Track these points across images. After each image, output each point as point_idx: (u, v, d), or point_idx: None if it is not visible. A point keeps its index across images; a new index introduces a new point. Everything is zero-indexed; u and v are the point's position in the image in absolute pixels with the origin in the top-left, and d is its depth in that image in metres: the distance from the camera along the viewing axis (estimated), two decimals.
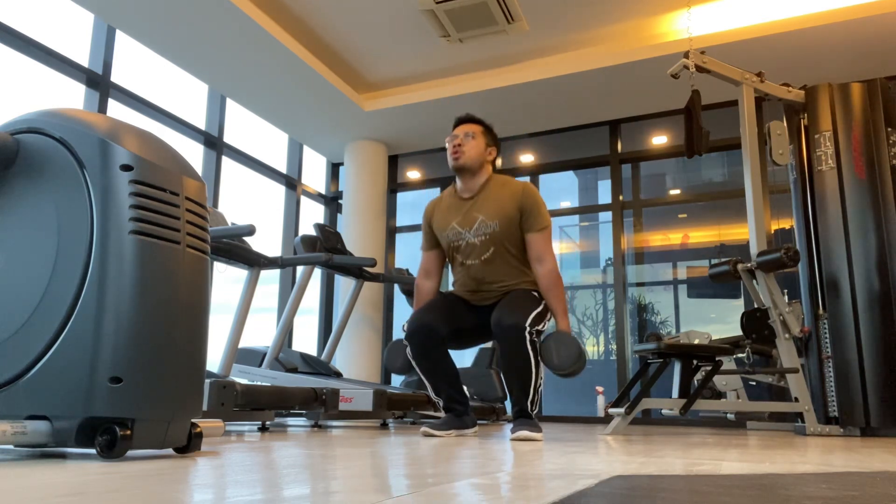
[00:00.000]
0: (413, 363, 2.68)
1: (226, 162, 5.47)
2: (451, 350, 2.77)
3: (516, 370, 2.51)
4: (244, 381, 3.47)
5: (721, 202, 5.61)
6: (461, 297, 2.82)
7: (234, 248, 3.45)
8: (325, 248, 4.46)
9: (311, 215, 6.68)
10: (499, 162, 2.62)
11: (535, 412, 2.56)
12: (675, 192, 6.35)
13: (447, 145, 2.80)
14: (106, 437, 1.29)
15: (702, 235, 6.17)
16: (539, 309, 2.58)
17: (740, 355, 4.17)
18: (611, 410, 3.36)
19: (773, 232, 5.18)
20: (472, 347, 3.52)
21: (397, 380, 6.26)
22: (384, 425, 3.59)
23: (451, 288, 2.93)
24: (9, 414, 1.33)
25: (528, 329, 2.47)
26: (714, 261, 4.12)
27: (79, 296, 1.33)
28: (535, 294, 2.68)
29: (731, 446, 2.29)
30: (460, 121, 2.86)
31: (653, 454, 1.81)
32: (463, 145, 2.75)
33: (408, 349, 2.67)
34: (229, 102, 5.54)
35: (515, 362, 2.49)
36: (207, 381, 2.43)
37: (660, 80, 5.02)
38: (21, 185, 1.44)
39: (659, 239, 6.13)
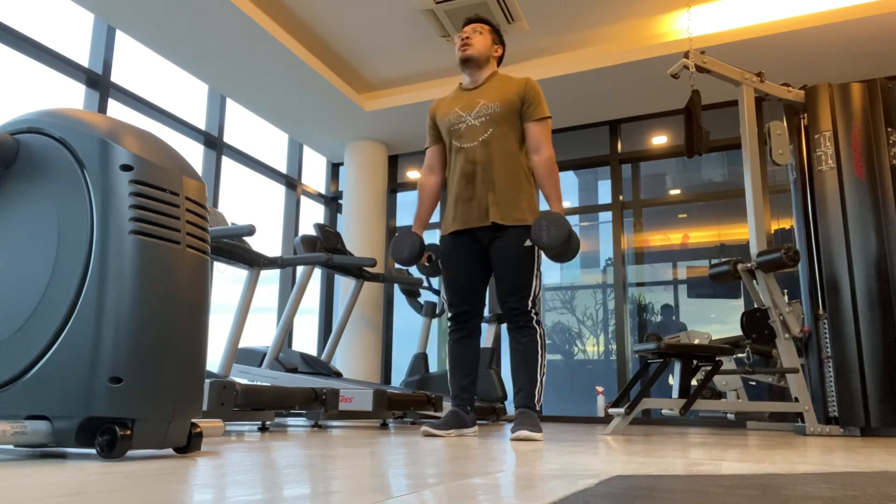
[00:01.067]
0: (450, 340, 2.82)
1: (226, 162, 5.47)
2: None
3: (523, 351, 2.65)
4: (244, 381, 3.47)
5: (721, 202, 5.61)
6: (460, 250, 2.79)
7: (234, 248, 3.45)
8: (325, 248, 4.46)
9: (311, 215, 6.69)
10: (502, 52, 2.67)
11: (539, 402, 2.62)
12: (675, 192, 6.35)
13: (455, 40, 2.88)
14: (106, 437, 1.29)
15: (702, 235, 6.17)
16: (535, 275, 2.69)
17: (740, 355, 4.17)
18: (611, 410, 3.36)
19: (773, 232, 5.18)
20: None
21: (397, 380, 6.26)
22: (384, 425, 3.59)
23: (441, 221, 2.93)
24: (9, 414, 1.33)
25: (532, 311, 2.67)
26: (714, 261, 4.12)
27: (79, 296, 1.33)
28: (529, 247, 2.68)
29: (731, 446, 2.28)
30: (469, 20, 2.93)
31: (653, 454, 1.81)
32: (471, 38, 2.84)
33: (450, 329, 2.83)
34: (229, 102, 5.54)
35: (522, 343, 2.66)
36: (207, 381, 2.43)
37: (660, 80, 5.02)
38: (21, 185, 1.44)
39: (659, 239, 6.12)
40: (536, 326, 2.69)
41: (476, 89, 2.85)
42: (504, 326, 5.15)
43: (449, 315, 2.85)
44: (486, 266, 2.80)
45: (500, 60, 2.95)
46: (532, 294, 2.69)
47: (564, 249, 2.58)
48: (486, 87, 2.83)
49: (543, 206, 2.79)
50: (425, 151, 3.02)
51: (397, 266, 6.13)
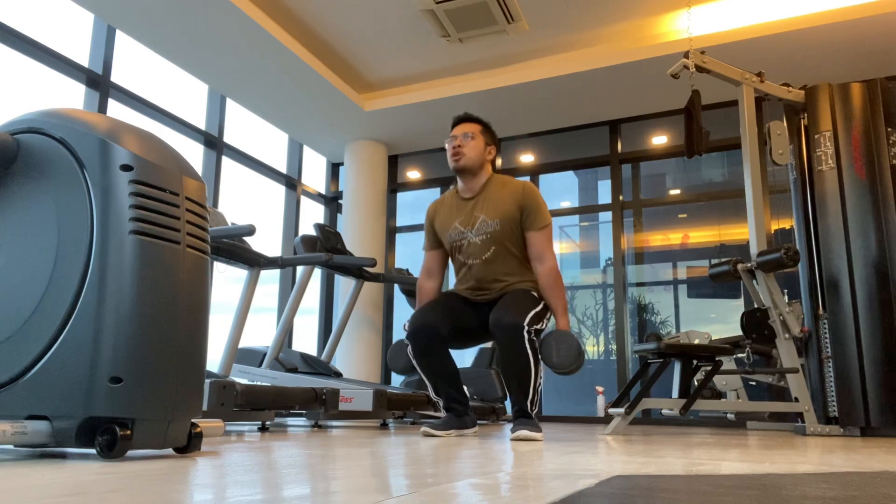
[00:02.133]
0: (414, 362, 2.69)
1: (226, 162, 5.47)
2: (451, 349, 2.77)
3: (516, 369, 2.51)
4: (244, 381, 3.47)
5: (721, 202, 5.61)
6: (462, 296, 2.83)
7: (234, 248, 3.45)
8: (325, 248, 4.46)
9: (311, 215, 6.69)
10: (499, 161, 2.63)
11: (534, 412, 2.56)
12: (675, 192, 6.35)
13: (446, 146, 2.81)
14: (106, 437, 1.29)
15: (702, 235, 6.17)
16: (538, 308, 2.59)
17: (740, 355, 4.17)
18: (611, 410, 3.36)
19: (773, 232, 5.18)
20: (473, 347, 3.53)
21: (397, 380, 6.26)
22: (384, 425, 3.59)
23: (451, 287, 2.94)
24: (9, 414, 1.33)
25: (526, 328, 2.48)
26: (714, 261, 4.12)
27: (79, 296, 1.33)
28: (535, 294, 2.68)
29: (731, 446, 2.29)
30: (458, 120, 2.87)
31: (653, 454, 1.81)
32: (462, 146, 2.76)
33: (409, 348, 2.68)
34: (229, 102, 5.54)
35: (514, 361, 2.50)
36: (207, 381, 2.43)
37: (660, 80, 5.02)
38: (21, 185, 1.44)
39: (659, 239, 6.12)
40: (528, 347, 2.47)
41: (474, 199, 2.79)
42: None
43: (409, 330, 2.66)
44: (481, 324, 2.73)
45: (494, 163, 2.88)
46: (529, 316, 2.51)
47: (576, 367, 2.53)
48: (484, 197, 2.77)
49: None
50: (424, 253, 2.98)
51: (398, 265, 6.14)
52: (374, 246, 6.07)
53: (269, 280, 6.05)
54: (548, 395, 5.89)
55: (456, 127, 2.85)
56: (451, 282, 2.99)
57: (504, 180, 2.81)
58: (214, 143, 5.38)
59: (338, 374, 4.16)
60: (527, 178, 6.14)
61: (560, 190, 6.52)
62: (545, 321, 2.63)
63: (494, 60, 5.18)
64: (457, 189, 2.87)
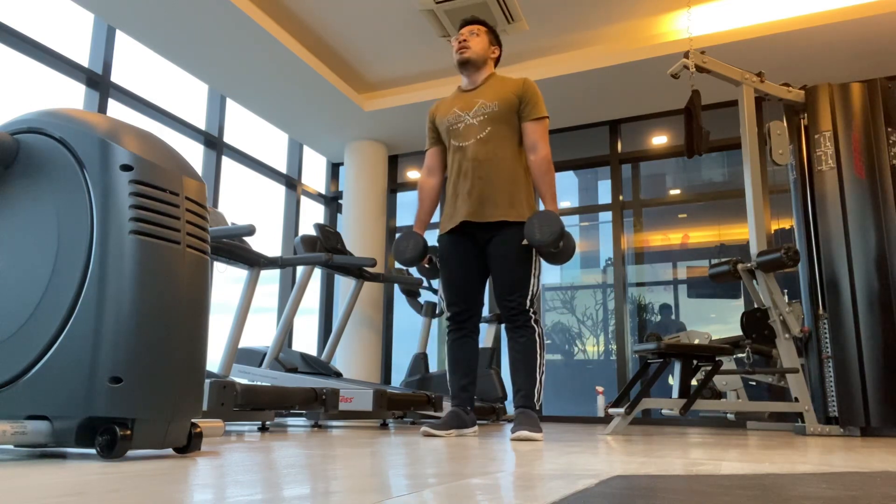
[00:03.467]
0: (448, 338, 2.83)
1: (226, 162, 5.47)
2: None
3: (522, 351, 2.65)
4: (244, 381, 3.47)
5: (721, 202, 5.60)
6: (457, 247, 2.79)
7: (234, 248, 3.45)
8: (325, 248, 4.46)
9: (311, 215, 6.69)
10: (500, 54, 2.69)
11: (538, 402, 2.62)
12: (675, 192, 6.35)
13: (453, 42, 2.90)
14: (106, 437, 1.29)
15: (702, 235, 6.17)
16: (534, 274, 2.70)
17: (740, 355, 4.17)
18: (611, 410, 3.36)
19: (773, 232, 5.18)
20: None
21: (397, 380, 6.26)
22: (384, 425, 3.59)
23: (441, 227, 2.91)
24: (9, 414, 1.33)
25: (530, 311, 2.67)
26: (714, 261, 4.12)
27: (79, 296, 1.33)
28: (527, 246, 2.67)
29: (731, 446, 2.28)
30: (466, 22, 2.94)
31: (653, 454, 1.81)
32: (469, 40, 2.86)
33: (448, 328, 2.84)
34: (229, 102, 5.54)
35: (520, 342, 2.66)
36: (207, 381, 2.43)
37: (660, 80, 5.02)
38: (21, 185, 1.44)
39: (659, 239, 6.12)
40: (535, 326, 2.68)
41: (475, 90, 2.86)
42: (503, 326, 5.16)
43: (447, 315, 2.85)
44: (484, 266, 2.81)
45: (497, 61, 2.96)
46: (530, 293, 2.68)
47: (558, 249, 2.58)
48: (485, 87, 2.84)
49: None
50: (425, 153, 3.03)
51: (397, 266, 6.14)
52: (374, 246, 6.07)
53: (269, 280, 6.05)
54: (548, 396, 5.89)
55: (462, 28, 2.93)
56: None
57: (505, 76, 2.89)
58: (214, 143, 5.38)
59: (338, 374, 4.16)
60: None
61: (560, 190, 6.51)
62: (538, 276, 2.74)
63: None
64: (459, 86, 2.95)
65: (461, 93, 2.91)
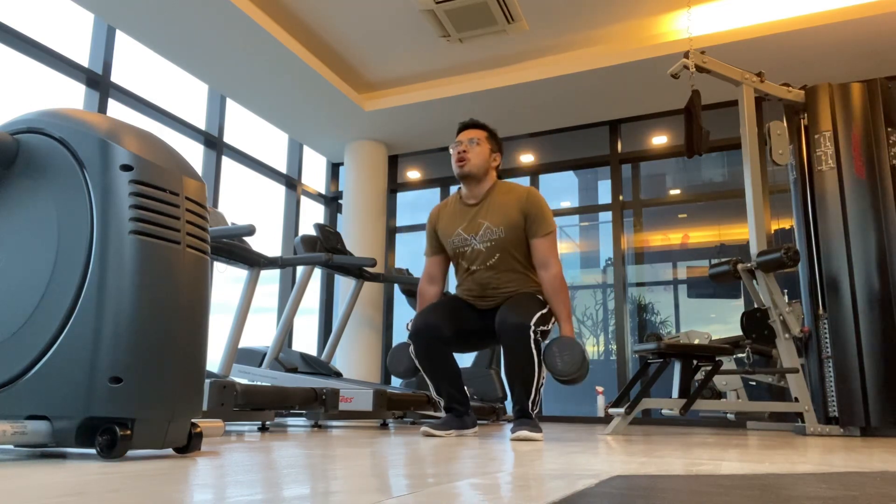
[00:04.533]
0: (416, 362, 2.69)
1: (226, 162, 5.47)
2: (454, 353, 2.77)
3: (519, 369, 2.52)
4: (244, 381, 3.47)
5: (721, 202, 5.61)
6: (465, 301, 2.83)
7: (234, 248, 3.45)
8: (325, 248, 4.46)
9: (311, 215, 6.69)
10: (501, 161, 2.65)
11: (535, 412, 2.56)
12: (675, 192, 6.35)
13: (451, 152, 2.81)
14: (106, 437, 1.29)
15: (702, 235, 6.17)
16: (543, 311, 2.59)
17: (740, 355, 4.17)
18: (611, 410, 3.36)
19: (773, 232, 5.18)
20: (475, 351, 3.52)
21: (397, 380, 6.26)
22: (384, 425, 3.59)
23: (452, 291, 2.94)
24: (9, 414, 1.33)
25: (532, 328, 2.49)
26: (714, 261, 4.12)
27: (79, 296, 1.33)
28: (540, 297, 2.68)
29: (731, 446, 2.29)
30: (464, 126, 2.86)
31: (653, 454, 1.81)
32: (468, 152, 2.75)
33: (411, 347, 2.68)
34: (229, 102, 5.54)
35: (519, 361, 2.51)
36: (207, 381, 2.43)
37: (660, 80, 5.02)
38: (21, 185, 1.44)
39: (659, 239, 6.13)
40: (533, 346, 2.49)
41: (478, 205, 2.77)
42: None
43: (412, 330, 2.66)
44: (484, 328, 2.72)
45: (499, 167, 2.87)
46: (536, 317, 2.53)
47: (579, 376, 2.50)
48: (488, 203, 2.75)
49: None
50: (424, 259, 2.97)
51: (398, 265, 6.14)
52: (374, 246, 6.07)
53: (269, 280, 6.05)
54: (548, 396, 5.89)
55: (462, 133, 2.84)
56: (452, 285, 2.98)
57: (508, 186, 2.80)
58: (214, 143, 5.38)
59: (338, 374, 4.16)
60: (527, 178, 6.17)
61: (560, 190, 6.52)
62: (551, 324, 2.64)
63: (494, 60, 5.18)
64: (460, 194, 2.86)
65: (464, 206, 2.81)
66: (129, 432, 1.29)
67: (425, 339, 2.64)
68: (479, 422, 4.46)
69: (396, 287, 6.38)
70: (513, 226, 2.69)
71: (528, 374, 2.51)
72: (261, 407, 2.70)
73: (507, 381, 2.60)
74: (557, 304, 2.64)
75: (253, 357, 4.08)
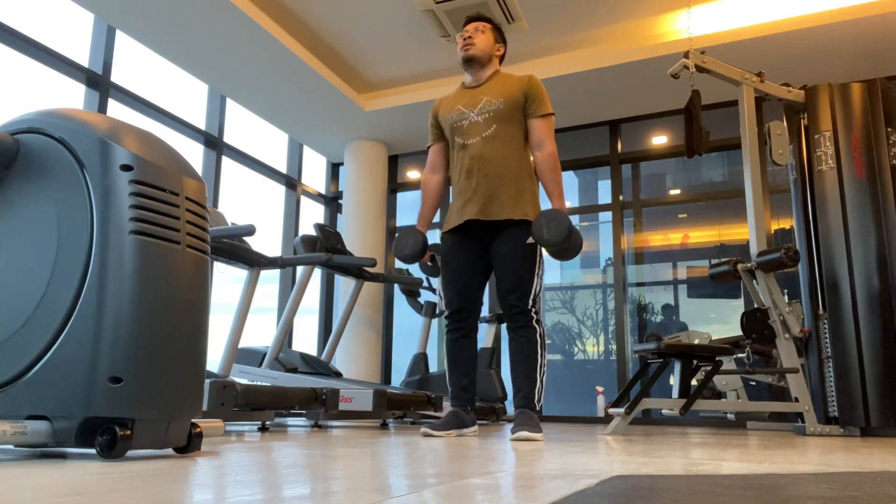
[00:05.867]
0: (447, 336, 2.81)
1: (226, 162, 5.47)
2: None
3: (523, 352, 2.64)
4: (244, 381, 3.47)
5: (721, 202, 5.60)
6: (463, 240, 2.78)
7: (234, 248, 3.45)
8: (325, 248, 4.46)
9: (311, 215, 6.69)
10: (504, 51, 2.68)
11: (539, 403, 2.61)
12: (675, 192, 6.35)
13: (457, 39, 2.87)
14: (106, 437, 1.29)
15: (702, 235, 6.17)
16: (537, 273, 2.69)
17: (740, 355, 4.17)
18: (611, 410, 3.36)
19: (773, 232, 5.18)
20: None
21: (397, 380, 6.26)
22: (384, 425, 3.59)
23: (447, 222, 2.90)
24: (9, 414, 1.33)
25: (532, 311, 2.65)
26: (714, 261, 4.12)
27: (79, 296, 1.33)
28: (531, 245, 2.67)
29: (731, 446, 2.28)
30: (470, 19, 2.92)
31: (653, 454, 1.81)
32: (473, 37, 2.83)
33: (446, 327, 2.81)
34: (229, 102, 5.54)
35: (522, 343, 2.64)
36: (207, 381, 2.43)
37: (660, 80, 5.02)
38: (21, 186, 1.44)
39: (659, 239, 6.12)
40: (536, 326, 2.67)
41: (479, 87, 2.84)
42: (503, 326, 5.15)
43: (446, 313, 2.83)
44: (486, 265, 2.80)
45: (502, 59, 2.94)
46: (533, 293, 2.67)
47: (566, 246, 2.56)
48: (490, 84, 2.82)
49: (546, 203, 2.78)
50: (427, 150, 3.02)
51: (398, 265, 6.14)
52: (374, 246, 6.07)
53: (269, 280, 6.05)
54: (548, 396, 5.89)
55: (468, 24, 2.90)
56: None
57: (510, 74, 2.86)
58: (214, 143, 5.38)
59: (338, 374, 4.16)
60: None
61: None
62: (541, 275, 2.72)
63: None
64: (463, 82, 2.93)
65: (465, 89, 2.88)
66: (129, 432, 1.29)
67: (460, 321, 2.77)
68: (479, 422, 4.47)
69: (396, 287, 6.38)
70: (512, 100, 2.74)
71: (531, 356, 2.63)
72: (261, 407, 2.70)
73: (512, 367, 2.70)
74: (550, 183, 2.71)
75: (253, 357, 4.08)
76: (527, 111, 2.76)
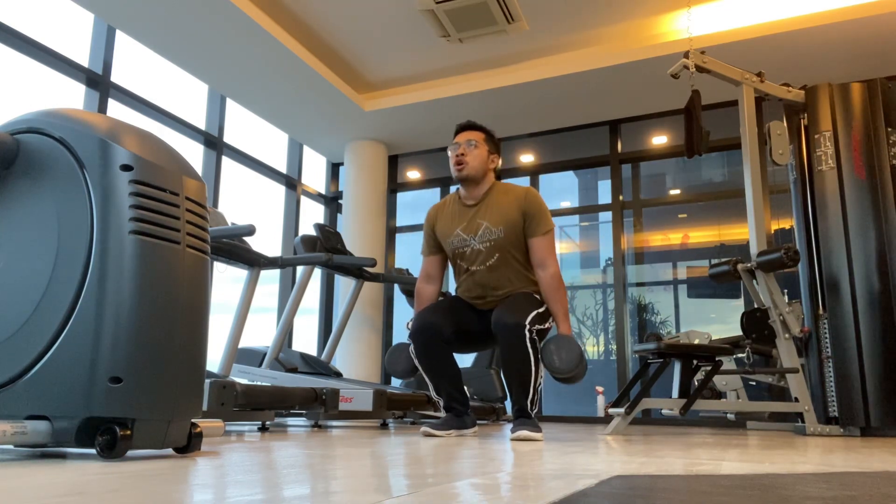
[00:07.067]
0: (416, 361, 2.69)
1: (226, 162, 5.47)
2: (454, 352, 2.77)
3: (516, 368, 2.51)
4: (244, 381, 3.47)
5: (721, 202, 5.60)
6: (466, 302, 2.83)
7: (234, 248, 3.45)
8: (325, 248, 4.46)
9: (311, 215, 6.69)
10: (499, 163, 2.63)
11: (534, 411, 2.56)
12: (675, 192, 6.35)
13: (449, 154, 2.81)
14: (106, 437, 1.29)
15: (702, 235, 6.17)
16: (540, 310, 2.59)
17: (740, 355, 4.17)
18: (611, 410, 3.36)
19: (773, 232, 5.18)
20: (475, 352, 3.52)
21: (397, 380, 6.26)
22: (384, 425, 3.59)
23: (451, 291, 2.94)
24: (9, 414, 1.33)
25: (528, 327, 2.48)
26: (714, 261, 4.12)
27: (79, 296, 1.33)
28: (537, 297, 2.68)
29: (731, 446, 2.28)
30: (461, 128, 2.85)
31: (653, 454, 1.81)
32: (466, 155, 2.75)
33: (411, 347, 2.68)
34: (229, 102, 5.54)
35: (515, 360, 2.50)
36: (207, 381, 2.43)
37: (660, 80, 5.02)
38: (21, 185, 1.44)
39: (659, 239, 6.13)
40: (529, 345, 2.48)
41: (476, 206, 2.77)
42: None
43: (412, 329, 2.66)
44: (484, 329, 2.73)
45: (496, 170, 2.87)
46: (531, 316, 2.51)
47: (577, 373, 2.49)
48: (487, 204, 2.75)
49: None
50: (422, 258, 2.97)
51: (398, 265, 6.14)
52: (374, 246, 6.07)
53: (269, 280, 6.05)
54: (548, 395, 5.89)
55: (459, 135, 2.83)
56: (452, 289, 2.98)
57: (506, 187, 2.80)
58: (214, 143, 5.38)
59: (338, 374, 4.16)
60: (527, 178, 6.17)
61: (560, 190, 6.52)
62: (548, 322, 2.63)
63: (494, 60, 5.18)
64: (459, 195, 2.86)
65: (462, 206, 2.81)
66: (129, 432, 1.29)
67: (425, 338, 2.64)
68: (478, 422, 4.47)
69: (396, 287, 6.37)
70: (512, 225, 2.69)
71: (524, 373, 2.50)
72: (261, 407, 2.70)
73: (505, 380, 2.60)
74: (555, 304, 2.64)
75: (253, 357, 4.08)
76: (526, 230, 2.70)
